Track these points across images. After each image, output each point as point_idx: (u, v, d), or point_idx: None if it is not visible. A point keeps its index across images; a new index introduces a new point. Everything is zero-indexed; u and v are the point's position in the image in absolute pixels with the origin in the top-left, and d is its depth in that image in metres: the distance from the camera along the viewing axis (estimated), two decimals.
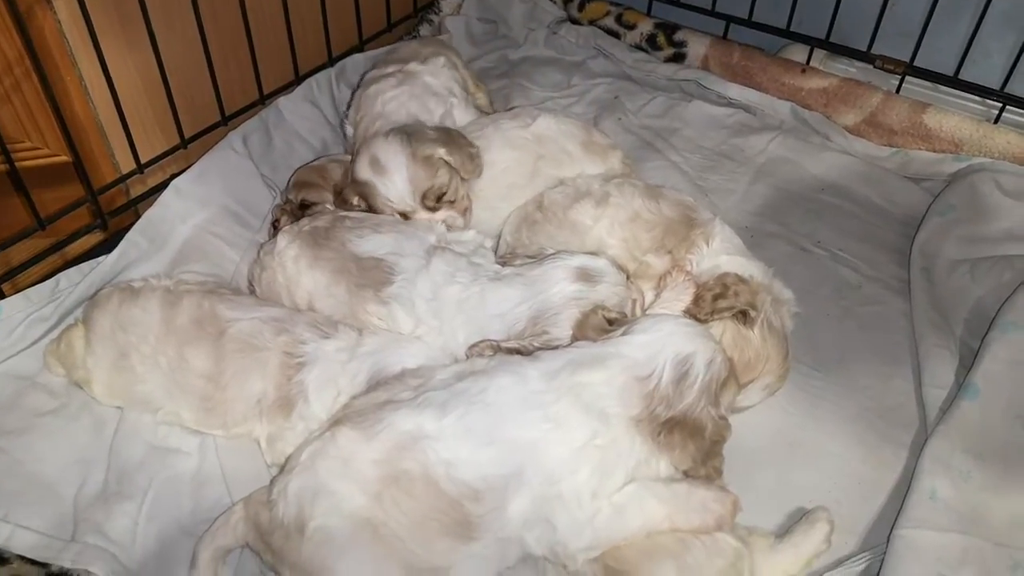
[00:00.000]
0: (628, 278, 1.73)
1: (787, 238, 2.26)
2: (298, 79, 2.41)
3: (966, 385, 1.73)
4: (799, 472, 1.70)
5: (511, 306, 1.64)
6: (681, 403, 1.41)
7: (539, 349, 1.56)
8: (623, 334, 1.50)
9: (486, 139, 2.09)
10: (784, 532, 1.54)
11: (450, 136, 1.97)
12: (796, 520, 1.57)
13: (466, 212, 2.00)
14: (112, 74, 1.92)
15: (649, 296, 1.84)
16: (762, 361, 1.71)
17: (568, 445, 1.35)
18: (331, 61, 2.51)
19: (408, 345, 1.66)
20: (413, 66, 2.20)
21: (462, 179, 1.97)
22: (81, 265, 1.95)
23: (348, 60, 2.53)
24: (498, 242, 2.07)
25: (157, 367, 1.63)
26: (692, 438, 1.42)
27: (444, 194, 1.92)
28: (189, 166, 2.11)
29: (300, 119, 2.37)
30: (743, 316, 1.71)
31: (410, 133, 1.92)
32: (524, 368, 1.43)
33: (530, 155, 2.06)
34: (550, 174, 2.06)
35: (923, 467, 1.59)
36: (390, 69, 2.19)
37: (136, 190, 2.11)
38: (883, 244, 2.25)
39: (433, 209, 1.93)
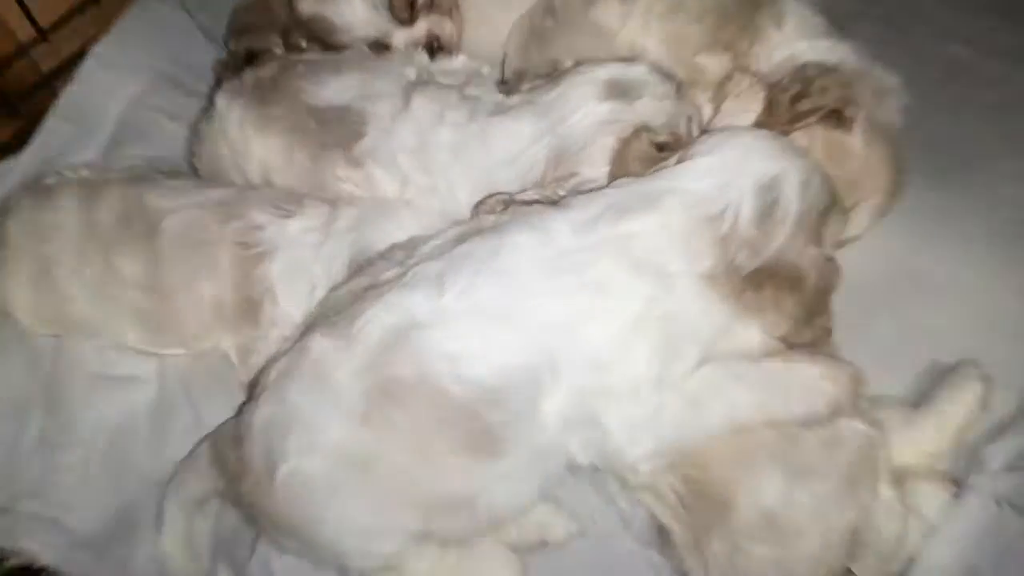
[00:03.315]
0: (679, 88, 1.28)
1: (874, 16, 1.75)
2: None
3: None
4: (927, 313, 1.31)
5: (524, 145, 1.23)
6: (770, 246, 1.04)
7: (567, 196, 1.16)
8: (679, 161, 1.09)
9: None
10: (921, 398, 1.15)
11: None
12: (933, 379, 1.18)
13: (453, 12, 1.55)
14: None
15: (707, 110, 1.40)
16: (869, 174, 1.30)
17: (617, 319, 1.00)
18: None
19: (395, 213, 1.28)
20: None
21: None
22: None
23: None
24: (503, 70, 1.62)
25: (84, 281, 1.29)
26: (790, 291, 1.05)
27: None
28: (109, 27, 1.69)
29: None
30: (836, 117, 1.28)
31: None
32: (548, 220, 1.05)
33: None
34: None
35: None
36: None
37: (48, 64, 1.69)
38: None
39: (411, 20, 1.49)
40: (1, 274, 1.34)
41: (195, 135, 1.46)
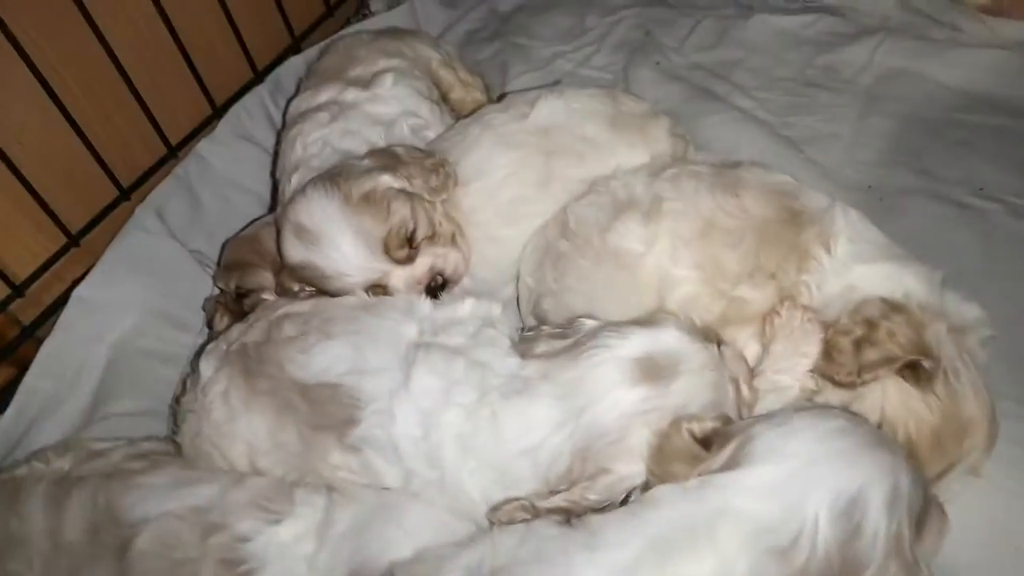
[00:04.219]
0: (719, 344, 1.10)
1: (931, 191, 1.57)
2: (217, 111, 1.81)
3: None
4: None
5: (543, 435, 1.04)
6: None
7: (597, 505, 0.98)
8: (729, 463, 0.90)
9: (469, 143, 1.47)
10: None
11: (392, 155, 1.38)
12: None
13: (457, 239, 1.40)
14: None
15: (753, 348, 1.21)
16: (956, 435, 1.07)
17: None
18: (258, 75, 1.89)
19: (399, 515, 1.10)
20: (351, 94, 1.55)
21: (430, 201, 1.37)
22: None
23: (282, 69, 1.91)
24: (517, 289, 1.46)
25: None
26: None
27: (413, 232, 1.32)
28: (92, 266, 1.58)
29: (232, 163, 1.78)
30: (913, 371, 1.07)
31: (335, 174, 1.33)
32: (577, 567, 0.86)
33: (536, 153, 1.43)
34: (570, 176, 1.43)
35: None
36: (322, 97, 1.56)
37: (29, 315, 1.56)
38: None
39: (409, 259, 1.33)
40: None
41: (177, 407, 1.31)
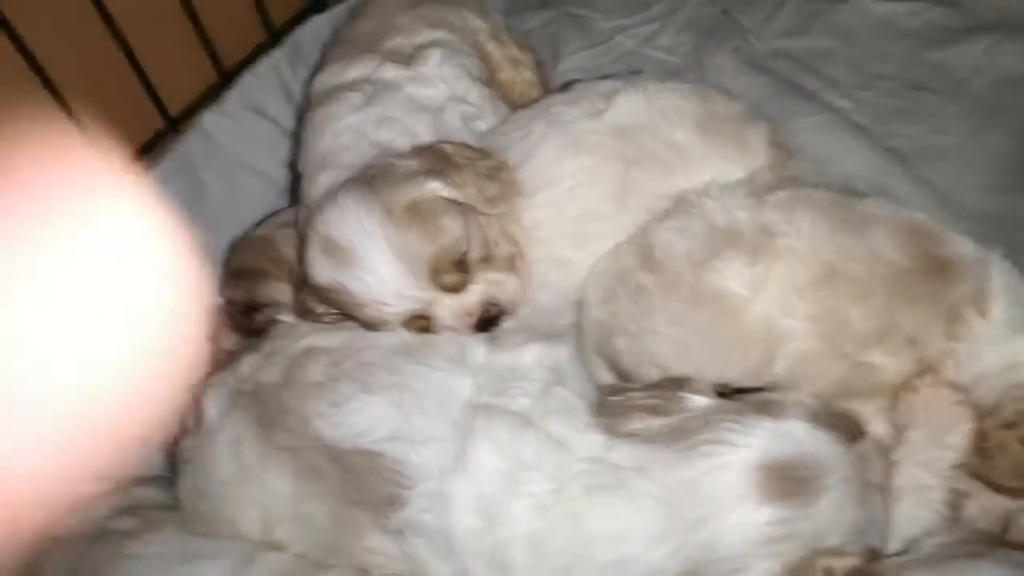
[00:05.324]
0: (858, 431, 0.88)
1: None
2: (224, 78, 1.54)
3: None
4: None
5: (640, 548, 0.83)
6: None
7: None
8: None
9: (533, 143, 1.22)
10: None
11: (441, 155, 1.13)
12: None
13: (516, 262, 1.17)
14: None
15: (878, 428, 0.99)
16: None
17: None
18: (274, 37, 1.62)
19: None
20: (390, 71, 1.28)
21: (485, 215, 1.13)
22: None
23: (303, 30, 1.62)
24: (579, 319, 1.24)
25: None
26: None
27: (465, 254, 1.09)
28: None
29: (242, 140, 1.51)
30: None
31: (373, 177, 1.08)
32: None
33: (613, 160, 1.19)
34: (652, 191, 1.18)
35: None
36: (353, 72, 1.30)
37: None
38: None
39: (459, 286, 1.10)
40: None
41: (179, 452, 1.08)
